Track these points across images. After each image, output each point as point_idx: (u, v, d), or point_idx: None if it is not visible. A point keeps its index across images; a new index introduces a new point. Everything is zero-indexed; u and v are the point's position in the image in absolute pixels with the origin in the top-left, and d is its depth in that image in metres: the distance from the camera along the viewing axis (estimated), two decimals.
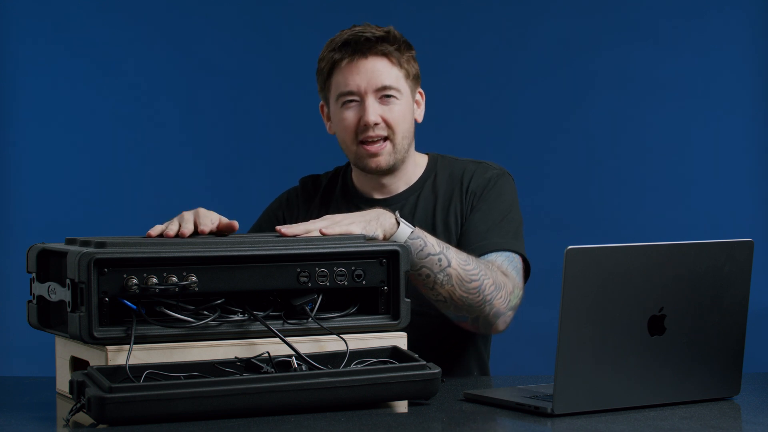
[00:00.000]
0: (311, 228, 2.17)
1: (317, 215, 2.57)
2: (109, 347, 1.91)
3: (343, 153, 2.56)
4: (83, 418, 1.83)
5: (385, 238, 2.25)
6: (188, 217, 2.14)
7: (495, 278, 2.35)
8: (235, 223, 2.17)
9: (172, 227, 2.12)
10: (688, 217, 3.92)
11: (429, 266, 2.29)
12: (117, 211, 3.89)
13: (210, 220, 2.14)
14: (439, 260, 2.30)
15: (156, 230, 2.12)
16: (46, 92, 3.87)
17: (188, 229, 2.11)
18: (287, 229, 2.16)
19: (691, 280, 1.96)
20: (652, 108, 3.94)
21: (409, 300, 2.11)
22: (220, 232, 2.15)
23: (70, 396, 1.85)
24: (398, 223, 2.28)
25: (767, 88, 3.93)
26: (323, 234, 2.15)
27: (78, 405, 1.81)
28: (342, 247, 2.07)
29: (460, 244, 2.46)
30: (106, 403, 1.76)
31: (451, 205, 2.52)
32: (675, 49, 3.93)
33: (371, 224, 2.24)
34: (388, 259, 2.09)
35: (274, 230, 2.18)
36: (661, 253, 1.93)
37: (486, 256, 2.43)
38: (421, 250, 2.28)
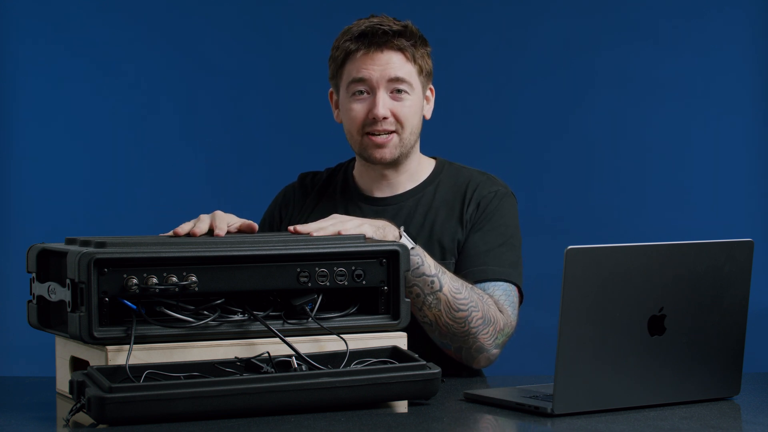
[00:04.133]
0: (323, 226, 2.18)
1: (312, 208, 2.58)
2: (109, 347, 1.91)
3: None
4: (83, 418, 1.83)
5: None
6: (204, 218, 2.16)
7: (485, 312, 2.34)
8: (254, 225, 2.20)
9: (184, 226, 2.14)
10: (688, 217, 3.92)
11: (421, 286, 2.29)
12: (117, 211, 3.89)
13: (226, 222, 2.16)
14: (432, 282, 2.29)
15: (179, 229, 2.14)
16: (46, 92, 3.88)
17: (201, 229, 2.13)
18: (300, 227, 2.18)
19: (691, 280, 1.96)
20: (652, 108, 3.94)
21: (409, 300, 2.11)
22: (241, 233, 2.17)
23: (70, 396, 1.85)
24: (401, 237, 2.28)
25: (767, 88, 3.93)
26: (340, 233, 2.16)
27: (78, 405, 1.81)
28: (342, 247, 2.07)
29: (458, 261, 2.46)
30: (106, 403, 1.76)
31: (452, 218, 2.50)
32: (675, 49, 3.93)
33: (378, 231, 2.25)
34: (388, 259, 2.09)
35: (277, 230, 2.18)
36: (661, 253, 1.93)
37: (484, 284, 2.42)
38: (417, 268, 2.28)
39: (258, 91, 3.97)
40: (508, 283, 2.43)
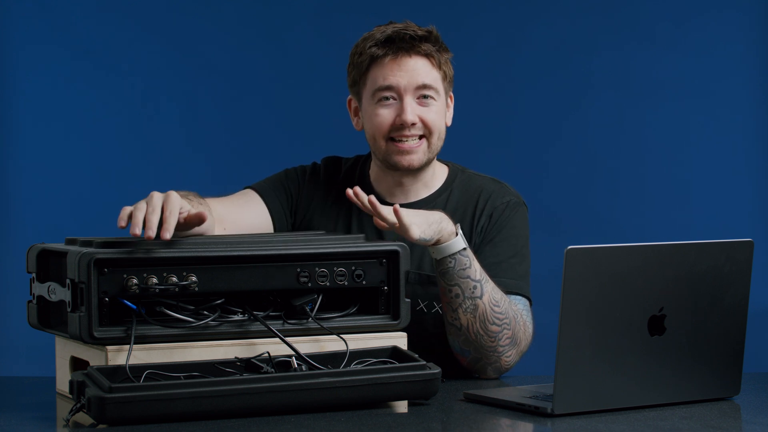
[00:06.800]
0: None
1: (333, 201, 2.53)
2: (109, 347, 1.91)
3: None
4: (83, 418, 1.83)
5: (437, 243, 2.23)
6: (156, 203, 2.00)
7: (515, 332, 2.32)
8: (204, 215, 2.04)
9: (137, 213, 1.99)
10: (688, 217, 3.92)
11: (462, 287, 2.26)
12: (117, 211, 3.88)
13: (178, 212, 2.00)
14: (474, 287, 2.27)
15: (125, 217, 1.99)
16: (46, 93, 3.87)
17: (151, 223, 1.96)
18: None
19: (691, 280, 1.96)
20: (651, 108, 3.94)
21: (409, 300, 2.11)
22: (188, 223, 2.05)
23: (70, 396, 1.85)
24: (456, 234, 2.25)
25: (766, 88, 3.93)
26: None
27: (78, 405, 1.81)
28: (342, 247, 2.08)
29: None
30: (106, 403, 1.76)
31: (462, 228, 2.49)
32: (674, 50, 3.93)
33: (432, 227, 2.21)
34: (388, 259, 2.09)
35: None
36: (661, 253, 1.93)
37: None
38: (464, 269, 2.26)
39: (258, 91, 3.97)
40: (521, 297, 2.42)
